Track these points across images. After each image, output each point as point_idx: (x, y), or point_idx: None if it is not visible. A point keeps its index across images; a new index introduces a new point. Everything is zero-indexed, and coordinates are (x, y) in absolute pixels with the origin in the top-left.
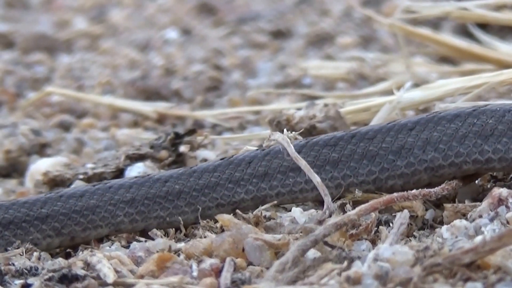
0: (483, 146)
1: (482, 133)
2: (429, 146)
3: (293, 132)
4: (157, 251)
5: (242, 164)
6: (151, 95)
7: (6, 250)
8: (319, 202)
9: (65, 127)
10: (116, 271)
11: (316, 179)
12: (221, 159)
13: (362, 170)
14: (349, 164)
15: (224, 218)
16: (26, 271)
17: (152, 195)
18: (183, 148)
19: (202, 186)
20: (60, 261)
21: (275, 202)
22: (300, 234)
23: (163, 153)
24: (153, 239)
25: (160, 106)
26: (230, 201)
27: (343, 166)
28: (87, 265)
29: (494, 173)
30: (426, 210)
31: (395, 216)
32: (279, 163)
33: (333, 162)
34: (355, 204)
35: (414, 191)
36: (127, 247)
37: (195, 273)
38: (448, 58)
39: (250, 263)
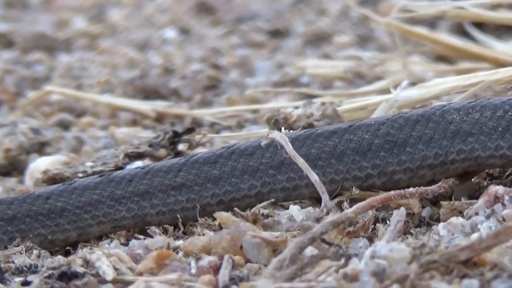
0: (362, 162)
1: (359, 149)
2: (309, 163)
3: (291, 131)
4: (156, 249)
5: (123, 182)
6: (149, 94)
7: (6, 248)
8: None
9: (65, 125)
10: (115, 269)
11: (314, 177)
12: (100, 176)
13: (243, 185)
14: (230, 180)
15: (223, 216)
16: (25, 269)
17: (34, 212)
18: (181, 147)
19: (84, 203)
20: (60, 259)
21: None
22: (298, 231)
23: (162, 152)
24: (152, 237)
25: (159, 105)
26: (111, 219)
27: (224, 183)
28: (86, 263)
29: (491, 171)
30: (423, 207)
31: (392, 213)
32: (160, 182)
33: (214, 179)
34: (352, 201)
35: (411, 189)
36: (126, 244)
37: (193, 271)
38: (444, 57)
39: (248, 261)
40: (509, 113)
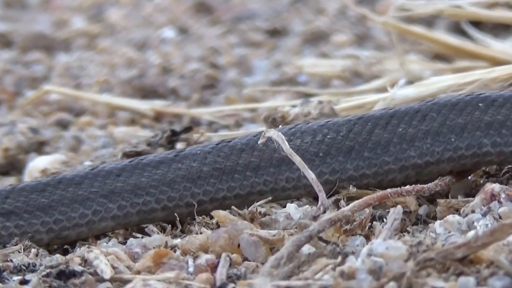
0: (193, 189)
1: (189, 177)
2: (140, 190)
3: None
4: (154, 247)
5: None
6: (148, 93)
7: (5, 246)
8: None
9: (63, 125)
10: (113, 267)
11: (311, 175)
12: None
13: (74, 214)
14: (60, 209)
15: (220, 214)
16: (24, 268)
17: None
18: (179, 146)
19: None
20: (58, 258)
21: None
22: (295, 230)
23: (160, 151)
24: (149, 235)
25: (157, 104)
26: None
27: (53, 211)
28: (85, 261)
29: (487, 169)
30: (420, 205)
31: (389, 211)
32: (62, 195)
33: (43, 207)
34: (349, 200)
35: (407, 187)
36: (124, 243)
37: (191, 269)
38: (441, 56)
39: (245, 259)
40: (328, 137)
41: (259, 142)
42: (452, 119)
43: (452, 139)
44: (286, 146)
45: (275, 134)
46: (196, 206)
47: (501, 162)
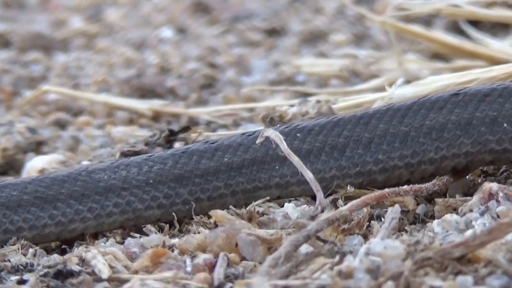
0: (13, 216)
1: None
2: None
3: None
4: (152, 247)
5: None
6: (146, 93)
7: (2, 246)
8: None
9: (61, 125)
10: (111, 267)
11: (309, 175)
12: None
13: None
14: None
15: (218, 214)
16: (21, 267)
17: None
18: (177, 145)
19: None
20: (56, 257)
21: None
22: (293, 229)
23: (158, 150)
24: (147, 235)
25: (155, 104)
26: None
27: None
28: (82, 261)
29: (485, 168)
30: (418, 204)
31: (386, 211)
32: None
33: None
34: (347, 199)
35: (405, 186)
36: (122, 243)
37: (189, 268)
38: (440, 55)
39: (243, 258)
40: (155, 168)
41: (257, 142)
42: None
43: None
44: (284, 146)
45: (273, 134)
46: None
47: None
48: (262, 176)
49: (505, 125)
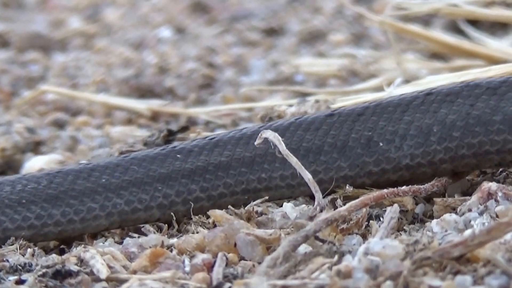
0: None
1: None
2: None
3: None
4: (150, 247)
5: None
6: (145, 93)
7: (0, 247)
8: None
9: (60, 125)
10: (109, 267)
11: (307, 176)
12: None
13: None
14: None
15: (216, 213)
16: (20, 267)
17: None
18: None
19: None
20: (54, 257)
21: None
22: (292, 229)
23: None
24: (146, 235)
25: (154, 104)
26: None
27: None
28: (81, 261)
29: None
30: (416, 204)
31: (385, 210)
32: None
33: None
34: (346, 199)
35: (404, 187)
36: (121, 243)
37: (187, 268)
38: (438, 55)
39: (242, 258)
40: (28, 187)
41: (255, 143)
42: None
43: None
44: (282, 147)
45: (271, 135)
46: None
47: None
48: (143, 197)
49: (381, 144)
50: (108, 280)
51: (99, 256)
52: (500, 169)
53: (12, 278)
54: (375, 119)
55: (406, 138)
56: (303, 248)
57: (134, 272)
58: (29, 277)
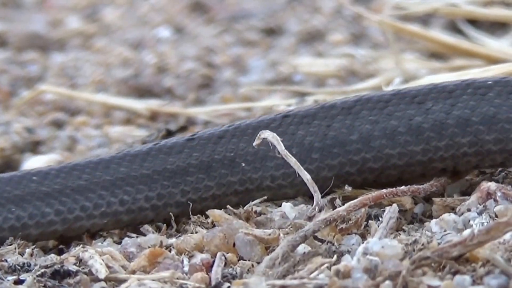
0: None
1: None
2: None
3: None
4: (149, 247)
5: None
6: (143, 92)
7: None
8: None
9: (59, 125)
10: (108, 267)
11: (306, 176)
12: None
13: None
14: None
15: (215, 213)
16: (18, 267)
17: None
18: None
19: None
20: (53, 257)
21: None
22: (290, 229)
23: None
24: (144, 235)
25: (153, 104)
26: None
27: None
28: (79, 261)
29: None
30: (415, 204)
31: (384, 210)
32: None
33: None
34: (345, 199)
35: (403, 187)
36: (119, 243)
37: (186, 268)
38: (437, 54)
39: (241, 258)
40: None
41: (254, 144)
42: None
43: None
44: (281, 147)
45: (270, 135)
46: None
47: None
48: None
49: (243, 164)
50: (107, 280)
51: (98, 256)
52: (499, 169)
53: (11, 278)
54: (235, 141)
55: (267, 160)
56: (302, 248)
57: (133, 272)
58: (27, 277)
